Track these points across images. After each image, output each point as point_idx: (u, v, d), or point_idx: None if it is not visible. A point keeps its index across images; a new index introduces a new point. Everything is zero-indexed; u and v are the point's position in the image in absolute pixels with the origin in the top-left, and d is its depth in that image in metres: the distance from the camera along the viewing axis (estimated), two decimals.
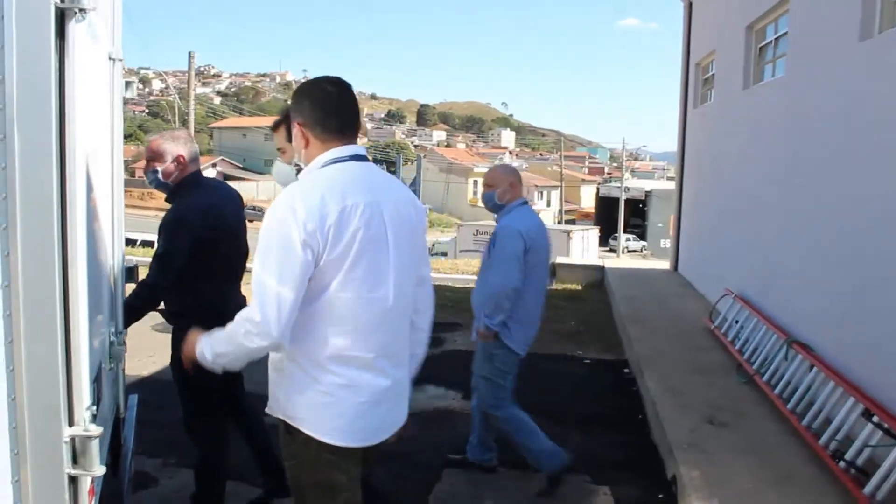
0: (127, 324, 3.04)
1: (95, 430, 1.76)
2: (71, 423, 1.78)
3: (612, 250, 45.18)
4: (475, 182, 67.55)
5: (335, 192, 2.32)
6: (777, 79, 8.60)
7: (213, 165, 66.46)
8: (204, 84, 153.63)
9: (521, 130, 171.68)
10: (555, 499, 4.74)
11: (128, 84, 3.95)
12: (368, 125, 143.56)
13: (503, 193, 4.67)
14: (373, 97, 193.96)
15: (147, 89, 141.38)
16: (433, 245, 40.24)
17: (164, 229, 3.63)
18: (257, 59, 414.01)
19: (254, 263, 2.32)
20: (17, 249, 1.63)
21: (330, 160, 2.42)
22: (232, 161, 70.41)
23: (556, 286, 14.65)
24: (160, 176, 3.72)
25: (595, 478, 5.08)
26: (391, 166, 37.39)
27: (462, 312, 11.04)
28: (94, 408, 1.98)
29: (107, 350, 2.54)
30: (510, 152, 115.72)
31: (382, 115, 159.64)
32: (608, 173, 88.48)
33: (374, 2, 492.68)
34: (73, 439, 1.75)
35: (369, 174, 2.47)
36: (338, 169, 2.41)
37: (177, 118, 38.39)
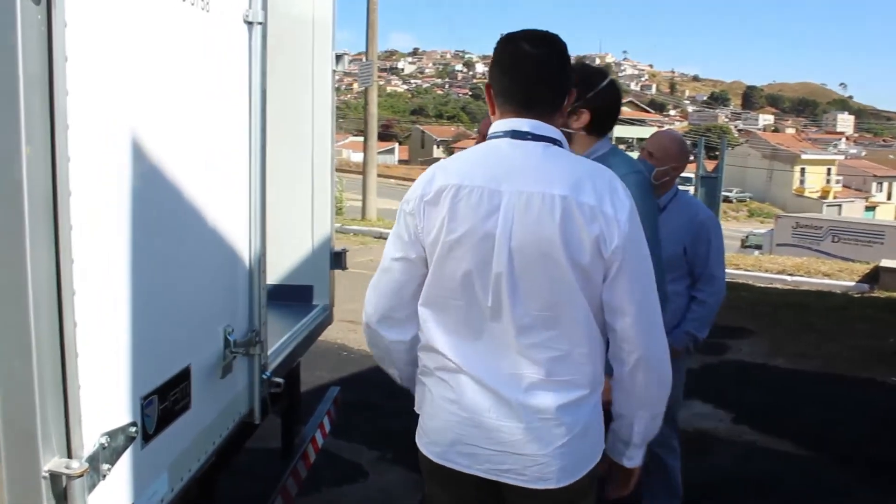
0: None
1: (77, 467, 1.44)
2: (69, 454, 1.48)
3: None
4: (802, 170, 62.04)
5: (450, 170, 2.02)
6: None
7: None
8: None
9: (861, 114, 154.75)
10: None
11: (338, 57, 3.74)
12: (690, 108, 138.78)
13: (662, 174, 3.65)
14: (695, 79, 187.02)
15: (471, 72, 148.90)
16: (747, 237, 37.44)
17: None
18: (579, 42, 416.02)
19: None
20: None
21: (490, 134, 2.06)
22: None
23: (876, 294, 12.70)
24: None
25: None
26: (712, 151, 35.30)
27: (757, 317, 9.86)
28: (133, 429, 1.69)
29: (220, 353, 2.27)
30: (846, 138, 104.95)
31: (705, 98, 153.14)
32: None
33: None
34: (53, 475, 1.44)
35: (511, 154, 1.99)
36: (487, 145, 2.05)
37: None
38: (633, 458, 2.14)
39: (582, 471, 2.02)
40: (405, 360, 2.21)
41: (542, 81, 2.01)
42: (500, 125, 2.03)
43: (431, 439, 2.12)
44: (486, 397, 2.00)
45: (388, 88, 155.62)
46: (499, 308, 1.97)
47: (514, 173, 1.94)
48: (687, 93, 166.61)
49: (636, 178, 2.79)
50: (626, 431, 2.10)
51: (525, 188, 1.92)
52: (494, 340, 1.99)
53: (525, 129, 1.99)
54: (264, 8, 2.40)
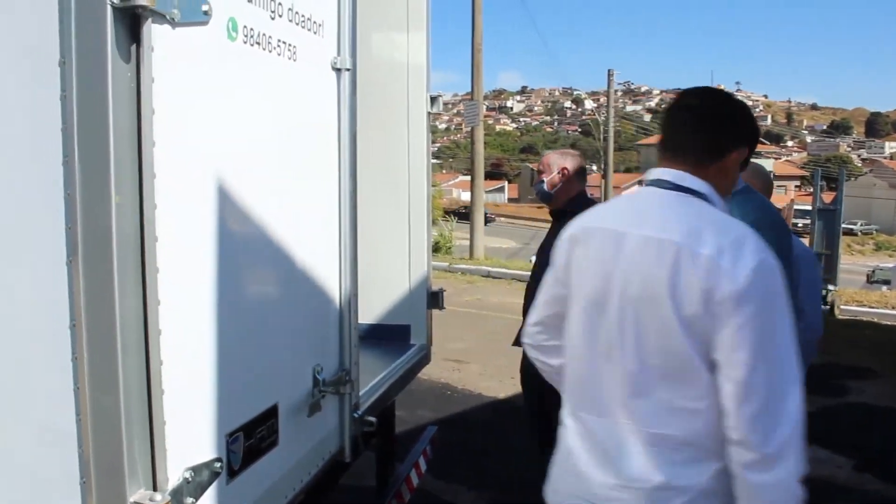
0: None
1: (160, 499, 1.51)
2: (154, 486, 1.55)
3: None
4: None
5: (592, 213, 2.09)
6: None
7: (639, 182, 67.33)
8: (634, 102, 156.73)
9: None
10: None
11: (433, 99, 3.82)
12: (808, 138, 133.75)
13: None
14: (813, 107, 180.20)
15: (580, 109, 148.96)
16: (873, 271, 35.51)
17: None
18: (690, 73, 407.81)
19: None
20: (80, 287, 1.44)
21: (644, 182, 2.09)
22: None
23: None
24: (545, 186, 4.00)
25: None
26: (834, 182, 33.88)
27: (883, 357, 9.33)
28: (218, 465, 1.75)
29: (309, 391, 2.33)
30: None
31: (824, 127, 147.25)
32: None
33: (813, 6, 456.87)
34: None
35: (645, 201, 1.98)
36: (632, 192, 2.15)
37: (601, 135, 39.89)
38: None
39: None
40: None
41: (694, 131, 1.99)
42: (649, 173, 2.03)
43: (553, 487, 2.09)
44: (592, 452, 1.95)
45: (497, 127, 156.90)
46: (609, 353, 1.91)
47: (642, 219, 1.91)
48: (805, 122, 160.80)
49: (772, 220, 2.72)
50: None
51: (645, 233, 1.87)
52: (605, 389, 1.93)
53: (668, 178, 1.96)
54: (353, 55, 2.48)
